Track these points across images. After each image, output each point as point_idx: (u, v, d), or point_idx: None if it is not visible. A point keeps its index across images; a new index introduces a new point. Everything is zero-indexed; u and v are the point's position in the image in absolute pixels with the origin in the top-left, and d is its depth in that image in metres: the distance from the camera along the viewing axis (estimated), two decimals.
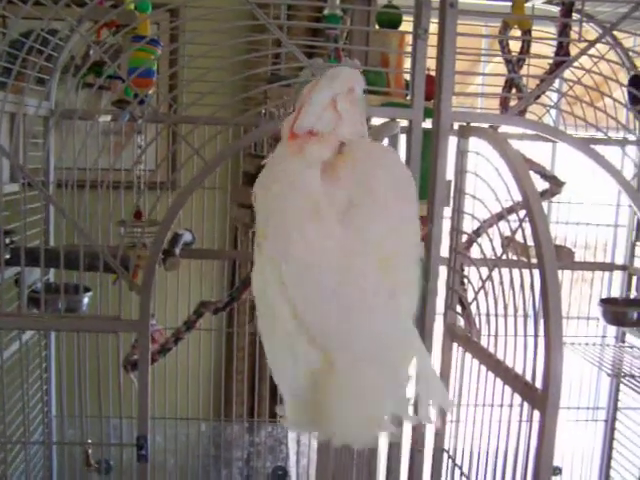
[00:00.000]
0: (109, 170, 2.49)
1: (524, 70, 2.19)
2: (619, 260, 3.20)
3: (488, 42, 3.22)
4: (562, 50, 2.05)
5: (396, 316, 1.08)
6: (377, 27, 2.08)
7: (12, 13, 2.19)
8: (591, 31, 2.80)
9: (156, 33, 2.75)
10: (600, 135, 2.24)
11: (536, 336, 1.54)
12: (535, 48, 2.27)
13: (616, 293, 3.14)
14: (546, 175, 2.19)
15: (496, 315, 1.73)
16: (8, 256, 2.01)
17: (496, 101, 2.31)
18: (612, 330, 3.19)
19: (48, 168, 2.54)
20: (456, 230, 1.84)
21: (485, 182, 1.72)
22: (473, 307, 1.86)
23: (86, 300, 2.53)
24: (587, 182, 2.80)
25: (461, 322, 2.01)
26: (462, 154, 1.78)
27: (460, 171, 1.79)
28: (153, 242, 1.74)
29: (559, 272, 1.50)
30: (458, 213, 1.81)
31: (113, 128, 2.70)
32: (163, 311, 2.91)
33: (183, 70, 2.61)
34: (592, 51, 1.98)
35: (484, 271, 1.77)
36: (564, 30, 2.06)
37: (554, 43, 2.23)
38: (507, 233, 2.16)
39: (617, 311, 2.75)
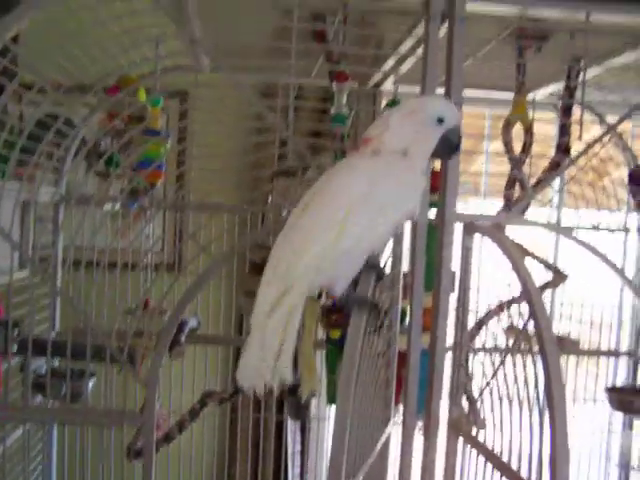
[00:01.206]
0: (117, 252, 2.52)
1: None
2: (625, 340, 3.20)
3: (490, 122, 3.29)
4: (562, 146, 2.09)
5: (281, 294, 1.32)
6: None
7: (29, 100, 2.26)
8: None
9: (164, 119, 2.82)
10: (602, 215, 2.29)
11: (541, 426, 1.55)
12: (538, 128, 2.32)
13: (623, 373, 3.13)
14: (549, 267, 2.21)
15: (500, 405, 1.74)
16: (15, 348, 2.02)
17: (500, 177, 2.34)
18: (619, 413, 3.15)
19: (56, 254, 2.55)
20: (461, 324, 1.85)
21: (488, 278, 1.75)
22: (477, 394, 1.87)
23: (90, 385, 2.52)
24: (592, 262, 2.82)
25: (465, 409, 2.01)
26: (467, 251, 1.81)
27: (465, 268, 1.81)
28: (159, 339, 1.74)
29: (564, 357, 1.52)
30: (463, 309, 1.83)
31: (121, 214, 2.73)
32: (167, 394, 2.90)
33: (191, 157, 2.66)
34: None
35: (488, 359, 1.78)
36: (564, 127, 2.11)
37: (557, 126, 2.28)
38: (511, 322, 2.19)
39: (624, 399, 2.73)
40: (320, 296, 1.91)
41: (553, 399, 1.45)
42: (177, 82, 2.63)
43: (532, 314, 1.55)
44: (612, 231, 2.39)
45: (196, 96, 2.62)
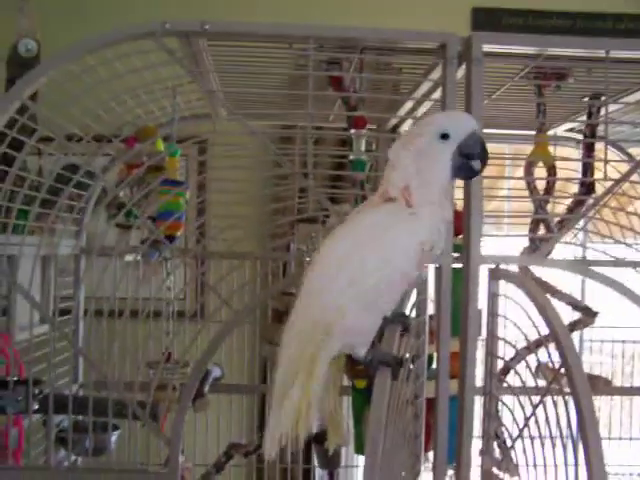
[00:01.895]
0: (139, 301, 2.52)
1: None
2: None
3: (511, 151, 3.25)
4: (586, 184, 2.06)
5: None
6: None
7: (48, 153, 2.27)
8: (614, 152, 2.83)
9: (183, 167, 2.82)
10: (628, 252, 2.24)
11: (576, 466, 1.50)
12: (560, 165, 2.28)
13: None
14: (578, 306, 2.17)
15: (533, 449, 1.69)
16: (36, 407, 2.00)
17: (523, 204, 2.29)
18: None
19: (78, 308, 2.55)
20: (490, 372, 1.80)
21: (516, 319, 1.72)
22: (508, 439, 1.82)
23: (114, 438, 2.49)
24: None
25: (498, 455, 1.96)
26: (493, 297, 1.77)
27: (492, 314, 1.77)
28: (182, 393, 1.71)
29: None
30: (491, 356, 1.78)
31: (142, 263, 2.72)
32: (192, 444, 2.86)
33: (210, 207, 2.66)
34: (616, 174, 1.98)
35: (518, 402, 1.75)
36: (587, 164, 2.08)
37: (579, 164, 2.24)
38: (539, 361, 2.15)
39: None
40: None
41: (589, 445, 1.40)
42: (196, 131, 2.64)
43: (562, 359, 1.51)
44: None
45: (215, 144, 2.62)
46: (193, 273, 3.02)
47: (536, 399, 1.69)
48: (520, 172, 2.21)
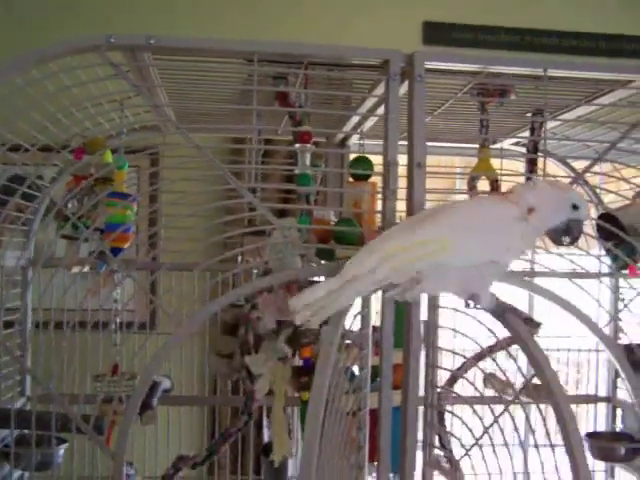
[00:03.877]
0: (87, 312, 2.50)
1: None
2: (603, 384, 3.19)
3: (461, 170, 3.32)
4: None
5: None
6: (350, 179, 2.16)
7: None
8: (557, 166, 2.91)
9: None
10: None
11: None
12: (505, 178, 2.33)
13: (601, 419, 3.11)
14: (521, 317, 2.20)
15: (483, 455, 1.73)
16: None
17: None
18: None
19: (25, 321, 2.52)
20: (430, 383, 1.84)
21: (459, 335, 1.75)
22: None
23: (61, 452, 2.46)
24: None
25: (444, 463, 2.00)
26: (433, 309, 1.80)
27: (432, 325, 1.81)
28: (127, 408, 1.71)
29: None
30: (432, 369, 1.81)
31: (90, 275, 2.71)
32: (141, 457, 2.84)
33: (161, 218, 2.66)
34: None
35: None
36: (530, 179, 2.13)
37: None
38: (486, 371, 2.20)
39: (604, 447, 2.70)
40: (287, 358, 1.89)
41: (572, 449, 1.41)
42: (147, 142, 2.64)
43: (536, 370, 1.54)
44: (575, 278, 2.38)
45: (165, 156, 2.62)
46: (143, 284, 3.00)
47: (479, 408, 1.74)
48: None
